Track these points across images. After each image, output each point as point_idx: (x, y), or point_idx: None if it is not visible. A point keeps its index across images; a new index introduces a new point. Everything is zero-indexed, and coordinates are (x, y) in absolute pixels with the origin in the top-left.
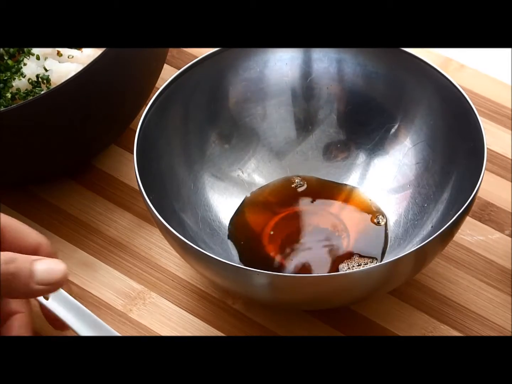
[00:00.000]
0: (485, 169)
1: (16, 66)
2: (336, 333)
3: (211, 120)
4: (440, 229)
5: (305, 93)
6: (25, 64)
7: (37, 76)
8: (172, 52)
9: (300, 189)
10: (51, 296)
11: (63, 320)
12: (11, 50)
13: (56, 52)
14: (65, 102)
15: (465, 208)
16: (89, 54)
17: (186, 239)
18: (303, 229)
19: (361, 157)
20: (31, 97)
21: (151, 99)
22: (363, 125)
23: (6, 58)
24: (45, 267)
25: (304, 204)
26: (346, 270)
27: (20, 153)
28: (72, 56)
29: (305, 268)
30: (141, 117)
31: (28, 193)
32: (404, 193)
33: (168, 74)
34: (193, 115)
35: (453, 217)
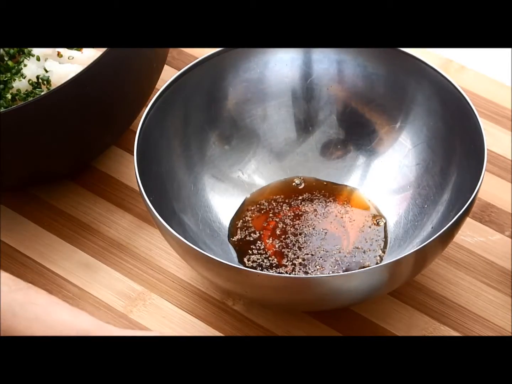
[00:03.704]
0: (485, 170)
1: (16, 67)
2: (336, 334)
3: (211, 121)
4: (440, 230)
5: (305, 94)
6: (25, 65)
7: (37, 77)
8: (173, 53)
9: (300, 190)
10: None
11: None
12: (12, 51)
13: (57, 53)
14: (65, 103)
15: (465, 209)
16: (89, 55)
17: (187, 240)
18: (303, 230)
19: (361, 158)
20: (31, 98)
21: (151, 100)
22: (363, 126)
23: (6, 59)
24: None
25: (304, 205)
26: (345, 271)
27: (21, 154)
28: (72, 57)
29: (305, 269)
30: (141, 118)
31: (28, 195)
32: (404, 194)
33: (168, 75)
34: (193, 116)
35: (453, 218)
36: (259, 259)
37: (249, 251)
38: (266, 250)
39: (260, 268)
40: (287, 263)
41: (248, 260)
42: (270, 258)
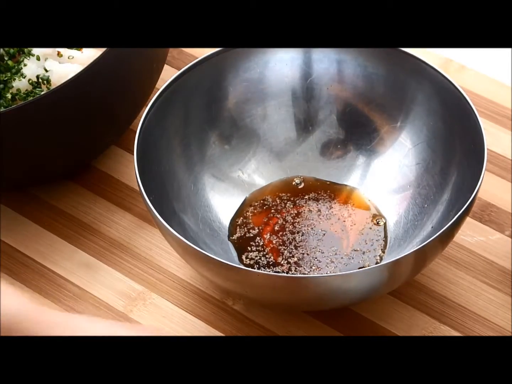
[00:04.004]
0: (485, 169)
1: (16, 67)
2: (336, 333)
3: (211, 121)
4: (440, 230)
5: (305, 93)
6: (25, 65)
7: (37, 76)
8: (173, 52)
9: (300, 190)
10: None
11: None
12: (11, 50)
13: (57, 52)
14: (65, 103)
15: (465, 209)
16: (89, 55)
17: (187, 239)
18: (303, 230)
19: (361, 158)
20: (31, 98)
21: (151, 99)
22: (363, 125)
23: (6, 58)
24: None
25: (304, 205)
26: (345, 271)
27: (20, 154)
28: (73, 57)
29: (305, 268)
30: (141, 117)
31: (28, 195)
32: (404, 194)
33: (168, 74)
34: (193, 116)
35: (453, 217)
36: (256, 256)
37: (248, 247)
38: (264, 247)
39: (257, 265)
40: (286, 263)
41: (246, 258)
42: (267, 256)
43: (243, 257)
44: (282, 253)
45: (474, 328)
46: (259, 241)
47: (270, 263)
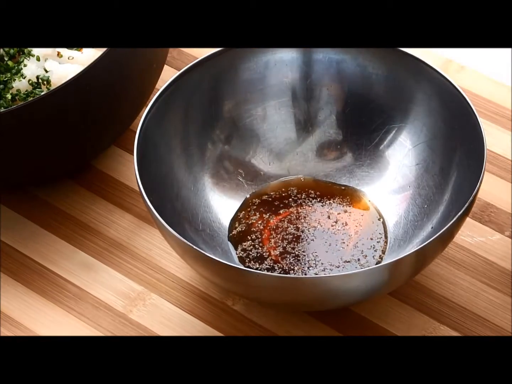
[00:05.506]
0: (485, 170)
1: (16, 67)
2: (336, 333)
3: (211, 121)
4: (440, 230)
5: (305, 94)
6: (25, 65)
7: (37, 77)
8: (172, 53)
9: (300, 190)
10: None
11: None
12: (11, 51)
13: (56, 53)
14: (65, 103)
15: (465, 209)
16: (89, 55)
17: (186, 240)
18: (303, 230)
19: (361, 158)
20: (31, 98)
21: (151, 100)
22: (363, 126)
23: (6, 59)
24: None
25: (304, 205)
26: (345, 271)
27: (20, 154)
28: (72, 57)
29: (304, 269)
30: (141, 118)
31: (28, 194)
32: (404, 194)
33: (168, 75)
34: (193, 116)
35: (453, 218)
36: (250, 245)
37: (244, 243)
38: (266, 250)
39: (249, 259)
40: (286, 263)
41: (241, 250)
42: (257, 247)
43: (238, 250)
44: (283, 254)
45: (473, 329)
46: (255, 237)
47: (272, 265)
